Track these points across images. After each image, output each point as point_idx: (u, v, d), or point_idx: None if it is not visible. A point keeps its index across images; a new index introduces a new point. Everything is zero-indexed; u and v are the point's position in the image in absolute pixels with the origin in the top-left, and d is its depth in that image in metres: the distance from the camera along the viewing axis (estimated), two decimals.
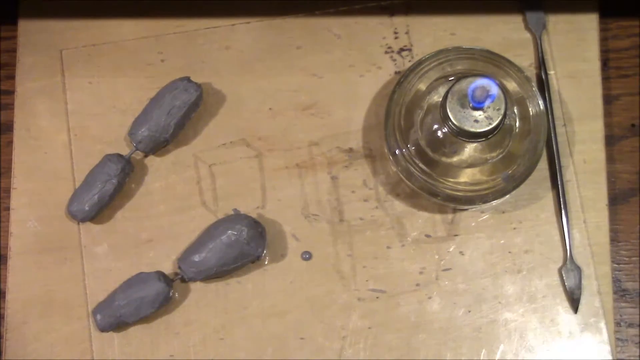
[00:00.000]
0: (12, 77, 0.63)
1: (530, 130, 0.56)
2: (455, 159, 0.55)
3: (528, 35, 0.62)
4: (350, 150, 0.61)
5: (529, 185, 0.58)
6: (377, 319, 0.59)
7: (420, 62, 0.57)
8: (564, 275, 0.59)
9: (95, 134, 0.62)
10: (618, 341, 0.60)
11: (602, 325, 0.58)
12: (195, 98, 0.59)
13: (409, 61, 0.62)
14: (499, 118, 0.52)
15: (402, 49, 0.62)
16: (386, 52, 0.62)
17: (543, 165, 0.60)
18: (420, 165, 0.56)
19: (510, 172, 0.55)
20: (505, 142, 0.55)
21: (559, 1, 0.62)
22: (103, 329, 0.58)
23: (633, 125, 0.62)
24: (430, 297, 0.59)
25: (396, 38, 0.62)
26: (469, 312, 0.59)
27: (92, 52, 0.63)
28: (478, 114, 0.52)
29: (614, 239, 0.61)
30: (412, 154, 0.56)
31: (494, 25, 0.62)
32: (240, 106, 0.62)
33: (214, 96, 0.62)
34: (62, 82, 0.63)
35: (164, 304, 0.58)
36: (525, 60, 0.62)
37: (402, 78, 0.57)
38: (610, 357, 0.58)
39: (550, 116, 0.60)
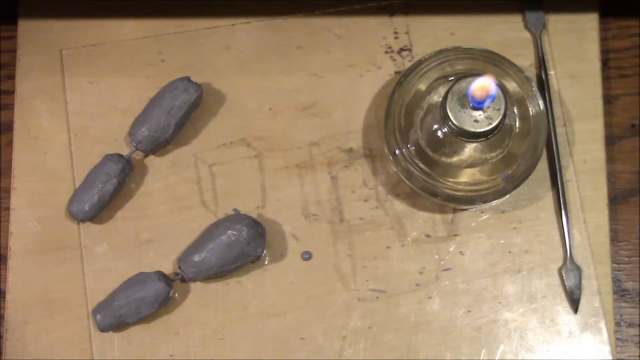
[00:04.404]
0: (12, 77, 0.63)
1: (530, 130, 0.56)
2: (455, 159, 0.55)
3: (528, 35, 0.62)
4: (350, 150, 0.61)
5: (529, 185, 0.58)
6: (377, 319, 0.59)
7: (420, 62, 0.57)
8: (564, 275, 0.59)
9: (95, 134, 0.62)
10: (618, 341, 0.60)
11: (602, 325, 0.58)
12: (195, 98, 0.59)
13: (409, 61, 0.62)
14: (499, 118, 0.52)
15: (402, 49, 0.62)
16: (386, 52, 0.62)
17: (543, 165, 0.60)
18: (420, 165, 0.56)
19: (510, 172, 0.55)
20: (505, 142, 0.55)
21: (559, 1, 0.62)
22: (103, 329, 0.58)
23: (633, 125, 0.62)
24: (430, 297, 0.59)
25: (396, 38, 0.62)
26: (469, 312, 0.59)
27: (92, 52, 0.63)
28: (478, 114, 0.52)
29: (614, 239, 0.61)
30: (412, 154, 0.56)
31: (494, 25, 0.62)
32: (240, 106, 0.62)
33: (214, 96, 0.62)
34: (62, 82, 0.63)
35: (163, 304, 0.58)
36: (525, 60, 0.62)
37: (402, 78, 0.57)
38: (610, 357, 0.58)
39: (550, 116, 0.60)
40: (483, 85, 0.51)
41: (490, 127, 0.52)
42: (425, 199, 0.59)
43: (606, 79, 0.62)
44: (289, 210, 0.60)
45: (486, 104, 0.51)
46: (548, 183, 0.60)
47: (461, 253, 0.60)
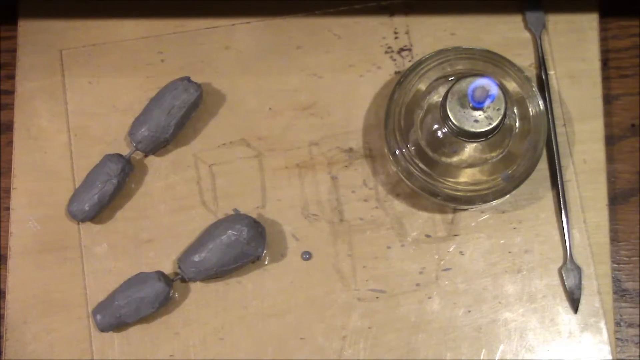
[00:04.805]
0: (12, 77, 0.63)
1: (530, 130, 0.56)
2: (455, 159, 0.55)
3: (528, 35, 0.62)
4: (350, 150, 0.61)
5: (529, 185, 0.58)
6: (377, 319, 0.59)
7: (420, 62, 0.57)
8: (564, 275, 0.59)
9: (95, 134, 0.62)
10: (618, 341, 0.60)
11: (602, 325, 0.58)
12: (195, 98, 0.59)
13: (409, 61, 0.62)
14: (499, 118, 0.52)
15: (402, 49, 0.62)
16: (386, 52, 0.62)
17: (543, 165, 0.60)
18: (420, 165, 0.56)
19: (510, 172, 0.55)
20: (505, 142, 0.55)
21: (559, 1, 0.62)
22: (103, 329, 0.58)
23: (633, 125, 0.62)
24: (430, 297, 0.59)
25: (396, 38, 0.62)
26: (469, 312, 0.59)
27: (92, 52, 0.63)
28: (478, 114, 0.52)
29: (614, 239, 0.61)
30: (412, 154, 0.56)
31: (494, 25, 0.62)
32: (240, 106, 0.62)
33: (214, 96, 0.62)
34: (62, 82, 0.63)
35: (163, 304, 0.58)
36: (525, 60, 0.62)
37: (402, 78, 0.57)
38: (610, 357, 0.58)
39: (550, 116, 0.60)
40: (483, 85, 0.51)
41: (490, 127, 0.52)
42: (425, 199, 0.59)
43: (606, 79, 0.62)
44: (289, 210, 0.60)
45: (486, 104, 0.51)
46: (548, 183, 0.60)
47: (461, 253, 0.60)
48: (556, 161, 0.60)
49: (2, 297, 0.61)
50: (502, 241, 0.60)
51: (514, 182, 0.56)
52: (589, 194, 0.60)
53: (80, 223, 0.61)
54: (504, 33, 0.62)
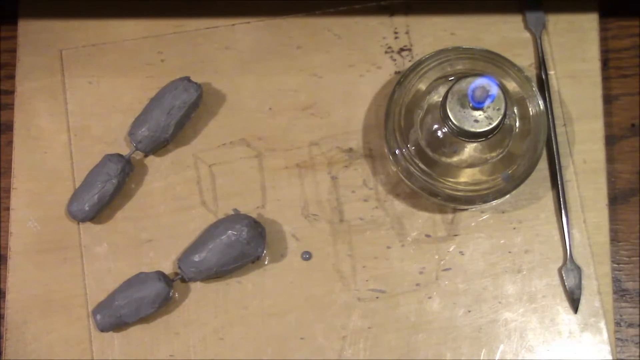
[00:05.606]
0: (12, 77, 0.63)
1: (530, 130, 0.56)
2: (455, 159, 0.55)
3: (528, 35, 0.62)
4: (350, 150, 0.61)
5: (529, 185, 0.58)
6: (377, 319, 0.59)
7: (420, 62, 0.57)
8: (564, 275, 0.59)
9: (95, 134, 0.62)
10: (618, 341, 0.60)
11: (602, 325, 0.58)
12: (195, 98, 0.59)
13: (409, 61, 0.62)
14: (499, 118, 0.52)
15: (402, 49, 0.62)
16: (386, 52, 0.62)
17: (543, 165, 0.60)
18: (420, 165, 0.56)
19: (510, 172, 0.55)
20: (505, 142, 0.55)
21: (559, 1, 0.62)
22: (103, 329, 0.58)
23: (633, 125, 0.62)
24: (430, 297, 0.59)
25: (396, 38, 0.62)
26: (469, 312, 0.59)
27: (92, 52, 0.63)
28: (478, 114, 0.52)
29: (614, 239, 0.61)
30: (412, 154, 0.56)
31: (494, 25, 0.62)
32: (240, 106, 0.62)
33: (214, 96, 0.62)
34: (62, 82, 0.63)
35: (163, 304, 0.58)
36: (525, 60, 0.62)
37: (402, 78, 0.57)
38: (610, 357, 0.58)
39: (550, 116, 0.60)
40: (483, 85, 0.51)
41: (490, 127, 0.52)
42: (425, 199, 0.59)
43: (606, 79, 0.62)
44: (289, 210, 0.60)
45: (486, 104, 0.51)
46: (548, 183, 0.60)
47: (461, 253, 0.60)
48: (556, 161, 0.60)
49: (2, 297, 0.61)
50: (502, 241, 0.60)
51: (514, 182, 0.56)
52: (589, 194, 0.60)
53: (80, 223, 0.61)
54: (504, 33, 0.62)
